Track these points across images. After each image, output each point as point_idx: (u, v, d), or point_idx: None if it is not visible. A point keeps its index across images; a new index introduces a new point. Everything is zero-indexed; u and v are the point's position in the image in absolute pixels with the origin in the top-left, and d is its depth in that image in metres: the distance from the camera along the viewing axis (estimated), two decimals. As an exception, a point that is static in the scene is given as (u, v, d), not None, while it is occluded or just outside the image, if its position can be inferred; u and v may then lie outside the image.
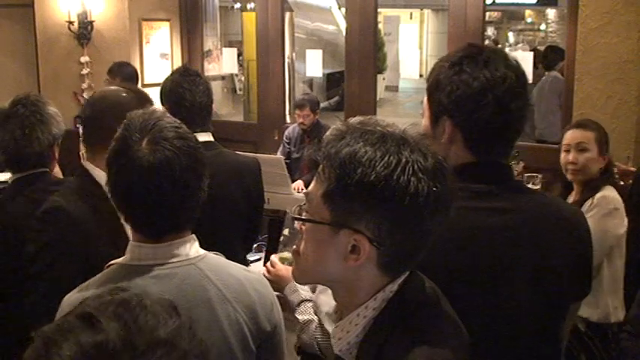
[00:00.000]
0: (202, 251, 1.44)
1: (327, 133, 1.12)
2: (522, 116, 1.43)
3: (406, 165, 1.03)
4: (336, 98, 12.09)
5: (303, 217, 1.13)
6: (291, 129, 5.41)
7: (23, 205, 2.13)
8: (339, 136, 1.08)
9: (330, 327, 1.66)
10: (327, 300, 1.66)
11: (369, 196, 1.03)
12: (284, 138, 5.40)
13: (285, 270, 1.91)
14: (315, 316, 1.73)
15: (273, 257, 1.99)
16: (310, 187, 1.13)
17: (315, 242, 1.11)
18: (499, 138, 1.43)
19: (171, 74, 2.68)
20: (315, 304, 1.73)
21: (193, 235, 1.44)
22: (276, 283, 1.89)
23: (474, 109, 1.40)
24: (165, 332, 0.78)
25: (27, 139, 2.17)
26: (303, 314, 1.77)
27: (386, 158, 1.03)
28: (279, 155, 5.13)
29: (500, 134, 1.42)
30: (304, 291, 1.85)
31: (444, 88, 1.43)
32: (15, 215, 2.13)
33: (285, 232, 1.99)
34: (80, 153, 5.40)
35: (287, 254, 1.98)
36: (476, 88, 1.39)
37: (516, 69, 1.42)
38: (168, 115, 1.50)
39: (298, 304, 1.82)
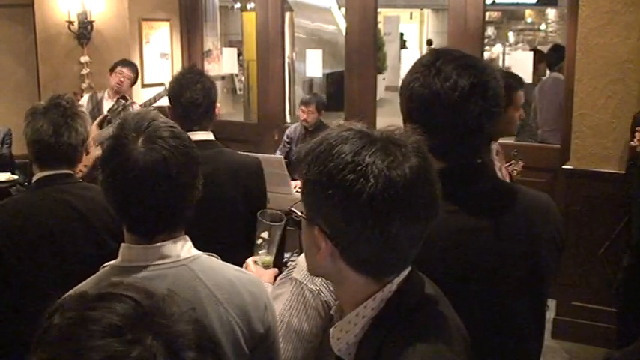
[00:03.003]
0: (195, 252, 1.43)
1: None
2: (480, 120, 1.41)
3: (357, 165, 1.03)
4: (322, 94, 12.09)
5: (295, 211, 1.18)
6: (293, 128, 5.40)
7: (53, 207, 2.15)
8: (322, 135, 1.11)
9: None
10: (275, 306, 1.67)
11: (320, 193, 1.06)
12: (285, 137, 5.38)
13: (255, 273, 1.91)
14: None
15: (249, 260, 2.00)
16: None
17: (304, 236, 1.15)
18: (460, 142, 1.43)
19: (176, 73, 2.73)
20: None
21: (185, 236, 1.43)
22: None
23: (425, 118, 1.42)
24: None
25: (67, 127, 2.18)
26: None
27: (341, 157, 1.04)
28: (278, 154, 5.13)
29: (460, 139, 1.42)
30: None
31: (404, 93, 1.48)
32: (42, 216, 2.14)
33: (264, 234, 1.98)
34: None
35: (264, 257, 1.97)
36: (425, 98, 1.41)
37: (473, 75, 1.40)
38: (162, 115, 1.50)
39: None
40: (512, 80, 2.86)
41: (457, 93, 1.39)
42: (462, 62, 1.43)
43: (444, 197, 1.41)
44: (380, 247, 1.05)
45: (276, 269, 1.97)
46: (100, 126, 5.28)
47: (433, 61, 1.44)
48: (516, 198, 1.49)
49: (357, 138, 1.06)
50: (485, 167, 1.51)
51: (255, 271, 1.93)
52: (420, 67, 1.45)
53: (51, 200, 2.16)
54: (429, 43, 18.08)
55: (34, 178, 2.25)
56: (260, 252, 1.98)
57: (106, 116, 5.10)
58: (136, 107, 4.98)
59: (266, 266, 1.96)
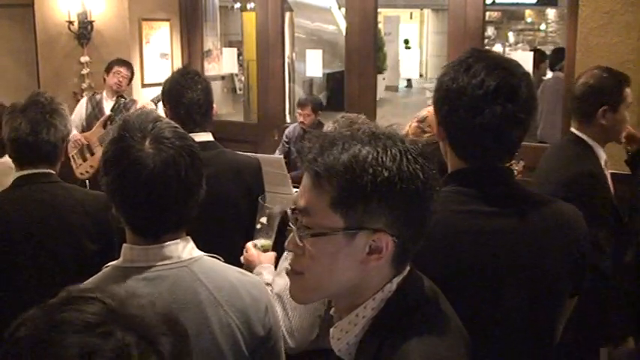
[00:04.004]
0: (197, 253, 1.43)
1: (307, 143, 1.10)
2: (503, 122, 1.41)
3: (406, 154, 1.06)
4: (324, 93, 12.05)
5: (316, 232, 1.07)
6: (292, 128, 5.41)
7: (35, 208, 2.13)
8: (329, 144, 1.07)
9: (277, 306, 1.73)
10: (280, 282, 1.71)
11: (386, 192, 1.04)
12: (284, 137, 5.40)
13: (255, 256, 2.00)
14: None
15: (249, 244, 2.06)
16: (306, 201, 1.09)
17: (329, 254, 1.07)
18: (480, 143, 1.43)
19: (172, 74, 2.70)
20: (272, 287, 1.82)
21: (188, 237, 1.43)
22: (246, 267, 1.98)
23: (450, 111, 1.44)
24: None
25: (46, 125, 2.15)
26: None
27: (389, 152, 1.05)
28: (277, 154, 5.13)
29: (480, 138, 1.42)
30: (268, 275, 1.93)
31: (436, 88, 1.50)
32: (23, 218, 2.12)
33: (263, 220, 2.03)
34: (71, 155, 5.34)
35: (263, 241, 2.04)
36: (452, 91, 1.43)
37: (502, 77, 1.41)
38: (163, 116, 1.50)
39: None
40: (621, 76, 2.65)
41: (482, 91, 1.40)
42: (493, 62, 1.44)
43: (459, 197, 1.42)
44: (422, 230, 1.09)
45: (274, 253, 2.02)
46: (104, 126, 5.28)
47: (466, 58, 1.45)
48: (534, 207, 1.47)
49: (378, 133, 1.08)
50: (506, 172, 1.51)
51: (255, 254, 1.99)
52: (454, 62, 1.48)
53: (29, 200, 2.14)
54: (406, 42, 17.97)
55: (14, 177, 2.22)
56: (259, 236, 2.04)
57: (110, 116, 5.11)
58: (139, 105, 4.98)
59: (265, 250, 2.02)
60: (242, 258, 2.02)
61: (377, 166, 1.03)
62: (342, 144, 1.06)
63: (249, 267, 1.98)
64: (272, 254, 2.01)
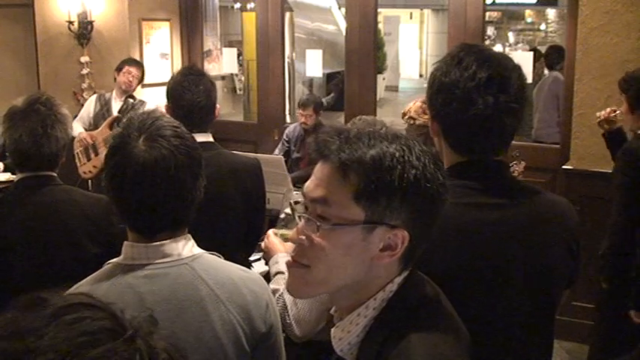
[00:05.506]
0: (198, 251, 1.44)
1: (326, 135, 1.10)
2: (497, 113, 1.43)
3: (425, 156, 1.08)
4: (332, 95, 12.06)
5: (335, 223, 1.06)
6: (292, 128, 5.40)
7: (33, 211, 2.12)
8: (355, 138, 1.08)
9: (286, 294, 1.75)
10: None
11: (411, 190, 1.05)
12: (284, 137, 5.38)
13: (277, 244, 2.03)
14: (282, 287, 1.82)
15: (270, 231, 2.08)
16: (325, 191, 1.07)
17: (342, 247, 1.07)
18: (475, 134, 1.45)
19: (175, 74, 2.68)
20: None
21: (188, 235, 1.44)
22: (266, 254, 2.02)
23: (443, 104, 1.46)
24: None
25: (47, 137, 2.13)
26: (274, 284, 1.86)
27: (414, 152, 1.07)
28: (276, 154, 5.12)
29: (474, 129, 1.44)
30: (284, 264, 1.94)
31: (428, 82, 1.52)
32: (23, 220, 2.11)
33: (287, 210, 2.08)
34: (76, 152, 5.32)
35: (284, 230, 2.11)
36: (445, 85, 1.45)
37: (493, 69, 1.43)
38: (167, 115, 1.52)
39: (274, 275, 1.92)
40: None
41: (474, 83, 1.41)
42: (484, 55, 1.46)
43: (464, 190, 1.44)
44: (432, 230, 1.11)
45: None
46: (111, 127, 5.26)
47: (458, 52, 1.48)
48: (531, 199, 1.49)
49: (399, 134, 1.10)
50: (503, 165, 1.53)
51: (276, 242, 2.03)
52: (446, 57, 1.50)
53: (29, 202, 2.13)
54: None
55: (15, 179, 2.22)
56: (281, 226, 2.08)
57: (117, 117, 5.10)
58: (147, 107, 4.94)
59: (285, 239, 2.06)
60: (262, 244, 2.07)
61: (404, 163, 1.05)
62: (367, 139, 1.07)
63: (267, 254, 2.01)
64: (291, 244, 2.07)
